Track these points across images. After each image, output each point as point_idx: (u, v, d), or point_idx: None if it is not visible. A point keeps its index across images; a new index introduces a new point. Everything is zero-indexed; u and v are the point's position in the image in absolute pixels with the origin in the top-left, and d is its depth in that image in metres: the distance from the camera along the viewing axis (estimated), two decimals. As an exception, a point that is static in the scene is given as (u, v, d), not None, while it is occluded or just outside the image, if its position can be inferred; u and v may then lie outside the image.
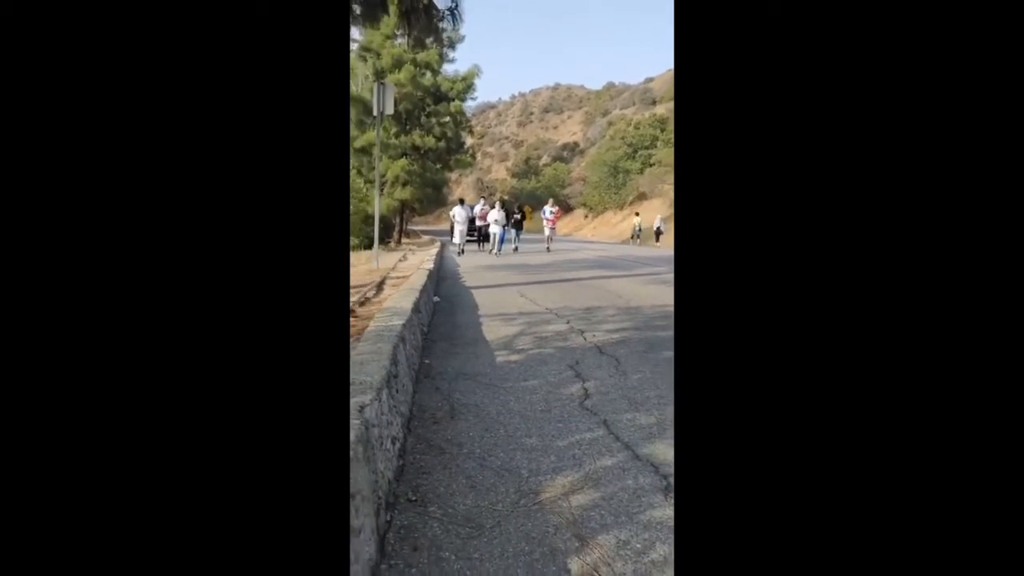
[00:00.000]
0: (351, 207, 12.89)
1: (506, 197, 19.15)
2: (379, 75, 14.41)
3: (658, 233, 19.09)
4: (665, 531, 1.34)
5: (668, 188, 23.87)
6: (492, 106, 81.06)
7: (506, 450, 1.81)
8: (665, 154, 26.80)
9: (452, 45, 16.35)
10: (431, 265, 6.71)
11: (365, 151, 15.19)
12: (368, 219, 11.54)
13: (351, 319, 3.35)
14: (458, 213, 12.20)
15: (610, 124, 43.17)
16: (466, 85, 17.25)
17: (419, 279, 4.99)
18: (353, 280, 5.33)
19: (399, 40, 14.25)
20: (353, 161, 15.40)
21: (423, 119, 16.78)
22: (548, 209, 13.72)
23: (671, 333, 3.34)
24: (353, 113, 14.95)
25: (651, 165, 28.30)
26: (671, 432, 1.91)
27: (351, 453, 1.11)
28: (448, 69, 17.37)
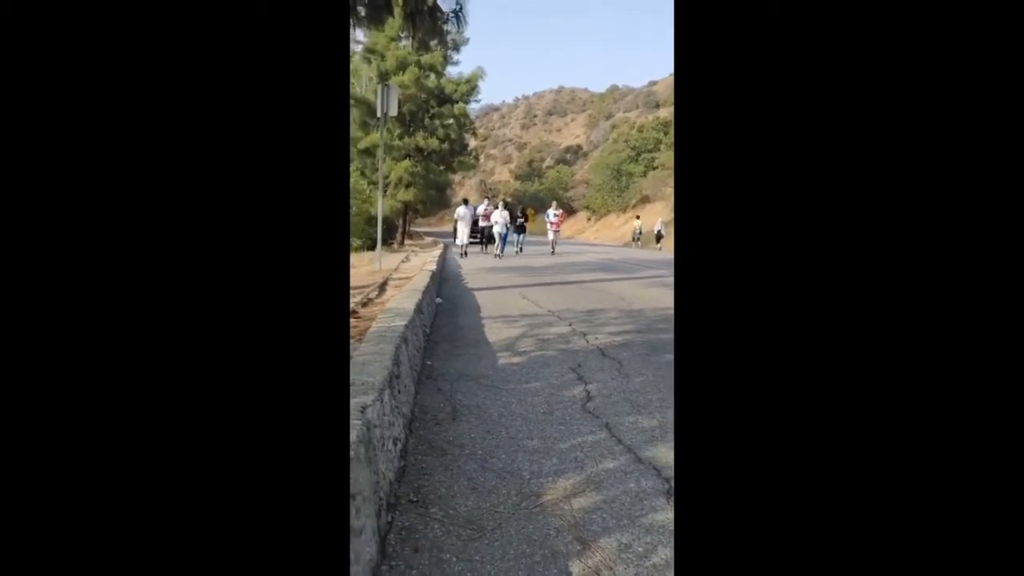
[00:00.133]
0: (354, 208, 12.93)
1: (509, 199, 19.13)
2: (383, 77, 14.44)
3: (659, 236, 19.09)
4: (667, 535, 1.33)
5: (671, 191, 23.84)
6: (496, 108, 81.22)
7: (508, 452, 1.80)
8: (668, 157, 26.79)
9: (456, 47, 16.42)
10: (434, 266, 6.71)
11: (369, 152, 15.22)
12: (371, 220, 11.56)
13: (354, 320, 3.35)
14: (462, 213, 12.14)
15: (613, 127, 43.21)
16: (470, 87, 17.29)
17: (422, 280, 4.99)
18: (356, 281, 5.34)
19: (403, 42, 14.30)
20: (357, 162, 15.44)
21: (427, 121, 16.82)
22: (552, 212, 13.70)
23: (673, 336, 3.33)
24: (357, 115, 15.01)
25: (654, 168, 28.31)
26: (673, 435, 1.90)
27: (353, 453, 1.11)
28: (452, 71, 17.46)
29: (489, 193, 38.46)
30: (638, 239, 20.20)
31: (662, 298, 5.42)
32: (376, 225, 8.95)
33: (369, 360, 1.89)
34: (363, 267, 7.62)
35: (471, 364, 2.88)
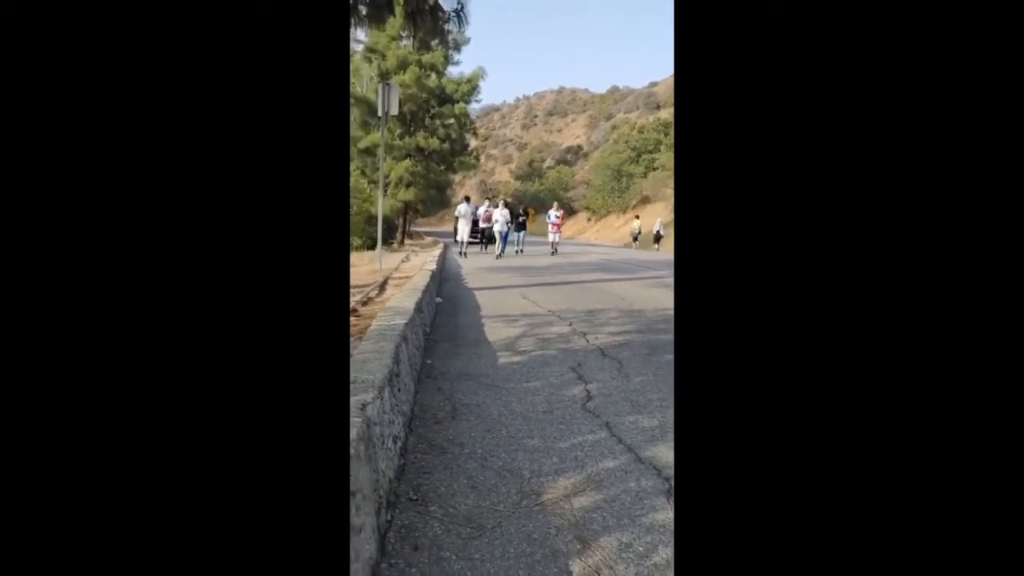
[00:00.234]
0: (354, 207, 12.90)
1: (509, 199, 19.13)
2: (384, 76, 14.43)
3: (657, 237, 19.09)
4: (668, 534, 1.33)
5: (671, 192, 23.85)
6: (496, 108, 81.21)
7: (508, 451, 1.80)
8: (668, 158, 26.79)
9: (457, 47, 16.41)
10: (434, 266, 6.71)
11: (369, 152, 15.22)
12: (371, 220, 11.55)
13: (353, 318, 3.34)
14: (463, 211, 12.05)
15: (614, 128, 43.21)
16: (471, 87, 17.27)
17: (422, 279, 4.99)
18: (356, 280, 5.33)
19: (404, 42, 14.28)
20: (357, 162, 15.42)
21: (427, 121, 16.80)
22: (553, 213, 13.68)
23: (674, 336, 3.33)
24: (358, 114, 15.00)
25: (654, 169, 28.31)
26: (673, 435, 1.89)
27: (352, 451, 1.10)
28: (453, 71, 17.46)
29: (489, 193, 38.44)
30: (637, 239, 20.21)
31: (662, 299, 5.41)
32: (376, 224, 8.95)
33: (369, 358, 1.89)
34: (363, 266, 7.62)
35: (471, 363, 2.88)
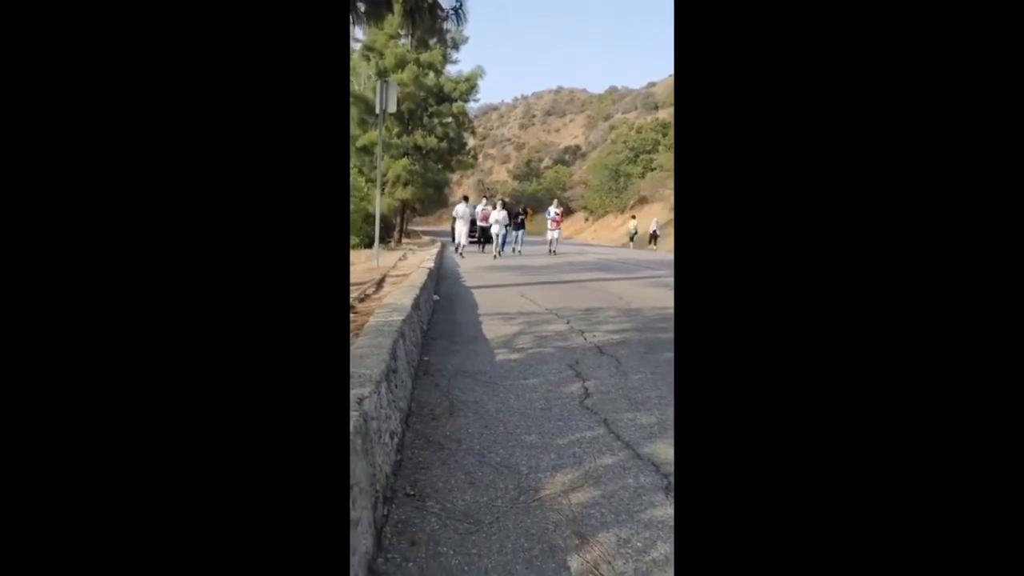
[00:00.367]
0: (352, 206, 12.88)
1: (507, 199, 19.13)
2: (382, 74, 14.40)
3: (653, 237, 19.11)
4: (666, 530, 1.32)
5: (669, 192, 23.90)
6: (495, 108, 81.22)
7: (505, 447, 1.79)
8: (666, 158, 26.82)
9: (456, 46, 16.38)
10: (431, 264, 6.70)
11: (367, 150, 15.19)
12: (369, 218, 11.53)
13: (351, 315, 3.33)
14: (461, 211, 12.01)
15: (612, 128, 43.27)
16: (469, 86, 17.25)
17: (419, 277, 4.98)
18: (353, 278, 5.32)
19: (403, 40, 14.26)
20: (355, 160, 15.39)
21: (425, 119, 16.78)
22: (553, 210, 13.64)
23: (672, 335, 3.33)
24: (356, 112, 14.96)
25: (652, 169, 28.34)
26: (672, 432, 1.89)
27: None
28: (451, 70, 17.40)
29: (487, 192, 38.45)
30: (633, 239, 20.24)
31: (660, 298, 5.42)
32: (374, 223, 8.93)
33: (366, 353, 1.88)
34: (360, 264, 7.60)
35: (469, 360, 2.87)
